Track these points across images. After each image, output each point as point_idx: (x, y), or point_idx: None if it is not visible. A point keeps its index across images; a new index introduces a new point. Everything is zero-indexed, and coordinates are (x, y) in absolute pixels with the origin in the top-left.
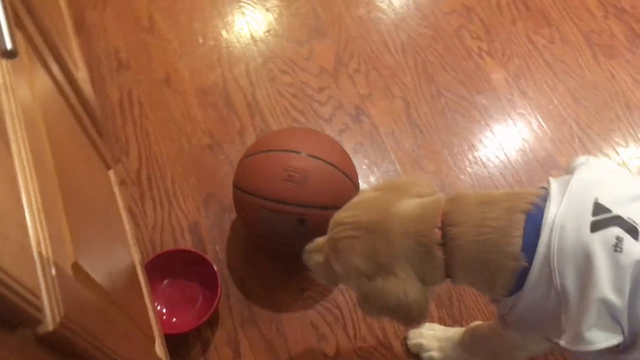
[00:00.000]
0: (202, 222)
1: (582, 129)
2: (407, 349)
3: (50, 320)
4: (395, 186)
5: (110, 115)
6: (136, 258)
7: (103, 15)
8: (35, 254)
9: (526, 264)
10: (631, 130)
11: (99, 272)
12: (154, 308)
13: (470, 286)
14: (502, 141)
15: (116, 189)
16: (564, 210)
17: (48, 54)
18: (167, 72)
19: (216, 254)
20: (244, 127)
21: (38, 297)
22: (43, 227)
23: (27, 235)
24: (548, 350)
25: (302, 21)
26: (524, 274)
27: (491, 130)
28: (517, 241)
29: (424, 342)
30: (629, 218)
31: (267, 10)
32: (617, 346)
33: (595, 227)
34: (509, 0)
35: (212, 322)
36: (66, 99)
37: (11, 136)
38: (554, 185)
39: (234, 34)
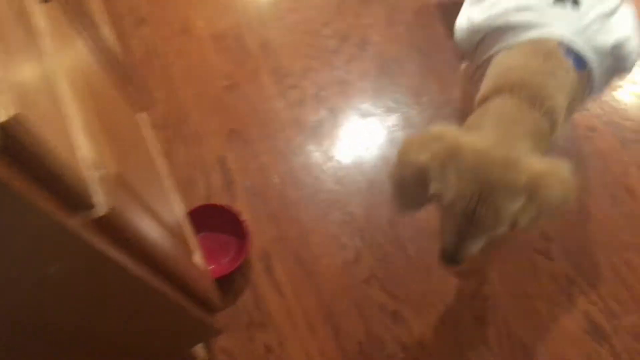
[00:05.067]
0: (228, 156)
1: None
2: (418, 248)
3: (101, 207)
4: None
5: (137, 67)
6: (168, 184)
7: None
8: (83, 156)
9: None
10: None
11: (138, 185)
12: (190, 229)
13: None
14: None
15: (148, 131)
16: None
17: (77, 8)
18: (183, 23)
19: (243, 182)
20: (259, 67)
21: (88, 186)
22: (87, 140)
23: (76, 145)
24: None
25: None
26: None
27: None
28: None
29: None
30: None
31: None
32: None
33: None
34: None
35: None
36: (90, 46)
37: (57, 70)
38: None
39: None
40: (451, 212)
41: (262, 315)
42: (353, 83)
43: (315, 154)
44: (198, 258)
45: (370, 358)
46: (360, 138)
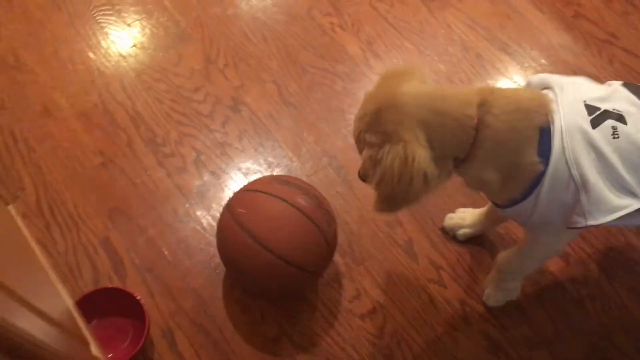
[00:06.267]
0: (112, 235)
1: (432, 77)
2: (319, 296)
3: None
4: (398, 73)
5: None
6: (52, 276)
7: None
8: None
9: (542, 167)
10: (472, 70)
11: (18, 285)
12: (82, 319)
13: (479, 187)
14: None
15: (20, 222)
16: (565, 117)
17: None
18: (44, 104)
19: (132, 260)
20: (131, 140)
21: None
22: None
23: None
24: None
25: (164, 29)
26: (537, 178)
27: (355, 94)
28: (535, 149)
29: (459, 221)
30: (614, 109)
31: (129, 25)
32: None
33: (595, 124)
34: None
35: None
36: None
37: None
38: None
39: (101, 54)
40: None
41: None
42: (232, 144)
43: (203, 219)
44: (95, 349)
45: None
46: None
